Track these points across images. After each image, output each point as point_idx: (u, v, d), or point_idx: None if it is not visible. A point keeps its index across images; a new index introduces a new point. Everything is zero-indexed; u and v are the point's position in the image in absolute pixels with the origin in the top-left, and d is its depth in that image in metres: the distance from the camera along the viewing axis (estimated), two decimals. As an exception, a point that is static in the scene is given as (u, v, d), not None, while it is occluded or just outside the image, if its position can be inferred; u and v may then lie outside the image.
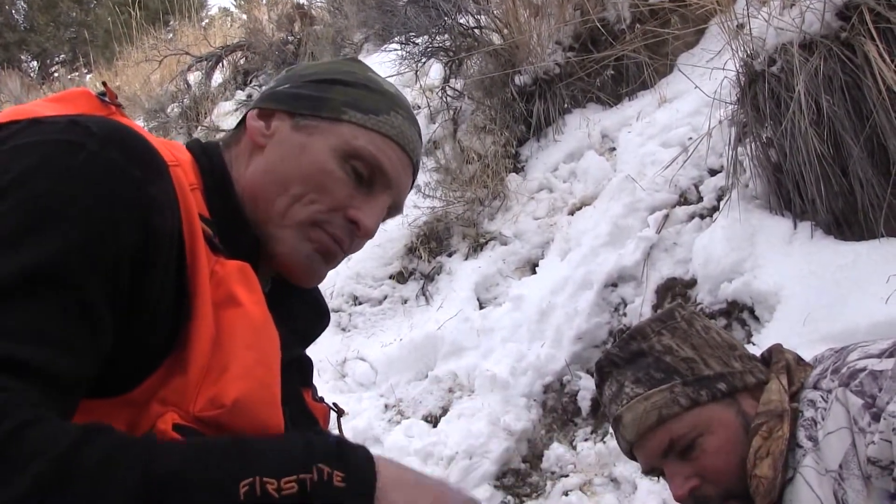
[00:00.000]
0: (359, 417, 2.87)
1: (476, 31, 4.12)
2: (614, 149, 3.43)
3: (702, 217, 2.73)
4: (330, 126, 0.96)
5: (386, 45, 4.94)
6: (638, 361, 1.30)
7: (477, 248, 3.51)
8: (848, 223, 2.27)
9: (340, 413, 1.07)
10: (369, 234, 0.98)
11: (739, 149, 2.58)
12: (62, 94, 0.91)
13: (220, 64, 7.56)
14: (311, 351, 1.09)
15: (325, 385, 3.12)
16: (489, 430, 2.52)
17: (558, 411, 2.62)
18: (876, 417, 1.04)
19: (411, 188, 1.06)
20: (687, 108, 3.18)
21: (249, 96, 6.91)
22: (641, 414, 1.26)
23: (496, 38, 4.02)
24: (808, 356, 1.33)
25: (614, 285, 2.75)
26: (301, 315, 1.06)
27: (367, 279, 3.69)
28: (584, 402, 2.58)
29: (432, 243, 3.68)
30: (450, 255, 3.60)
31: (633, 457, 1.35)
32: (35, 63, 16.15)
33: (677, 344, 1.30)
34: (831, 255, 2.18)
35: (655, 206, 2.87)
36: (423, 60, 4.50)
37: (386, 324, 3.46)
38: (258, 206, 0.94)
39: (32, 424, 0.62)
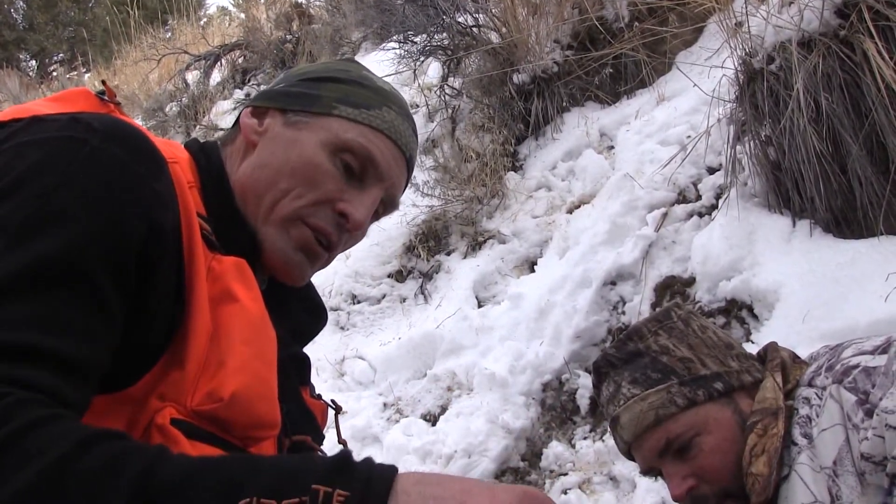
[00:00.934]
0: (358, 416, 2.87)
1: (474, 29, 4.11)
2: (613, 147, 3.43)
3: (700, 215, 2.73)
4: (320, 121, 0.96)
5: (384, 44, 4.95)
6: (635, 362, 1.30)
7: (475, 246, 3.50)
8: (847, 221, 2.26)
9: (338, 410, 1.07)
10: (359, 228, 0.97)
11: (738, 147, 2.57)
12: (62, 94, 0.92)
13: (219, 63, 7.56)
14: (309, 349, 1.09)
15: (323, 384, 3.12)
16: (488, 429, 2.52)
17: (557, 410, 2.61)
18: (869, 413, 1.04)
19: (406, 185, 1.06)
20: (685, 107, 3.18)
21: (248, 95, 6.91)
22: (639, 414, 1.26)
23: (494, 37, 4.01)
24: (806, 354, 1.34)
25: (613, 283, 2.75)
26: (298, 314, 1.06)
27: (365, 278, 3.69)
28: (583, 401, 2.57)
29: (431, 242, 3.68)
30: (448, 254, 3.60)
31: (631, 457, 1.35)
32: (34, 62, 16.17)
33: (674, 344, 1.30)
34: (830, 254, 2.18)
35: (654, 204, 2.87)
36: (422, 59, 4.50)
37: (385, 322, 3.46)
38: (249, 202, 0.94)
39: (41, 424, 0.62)
